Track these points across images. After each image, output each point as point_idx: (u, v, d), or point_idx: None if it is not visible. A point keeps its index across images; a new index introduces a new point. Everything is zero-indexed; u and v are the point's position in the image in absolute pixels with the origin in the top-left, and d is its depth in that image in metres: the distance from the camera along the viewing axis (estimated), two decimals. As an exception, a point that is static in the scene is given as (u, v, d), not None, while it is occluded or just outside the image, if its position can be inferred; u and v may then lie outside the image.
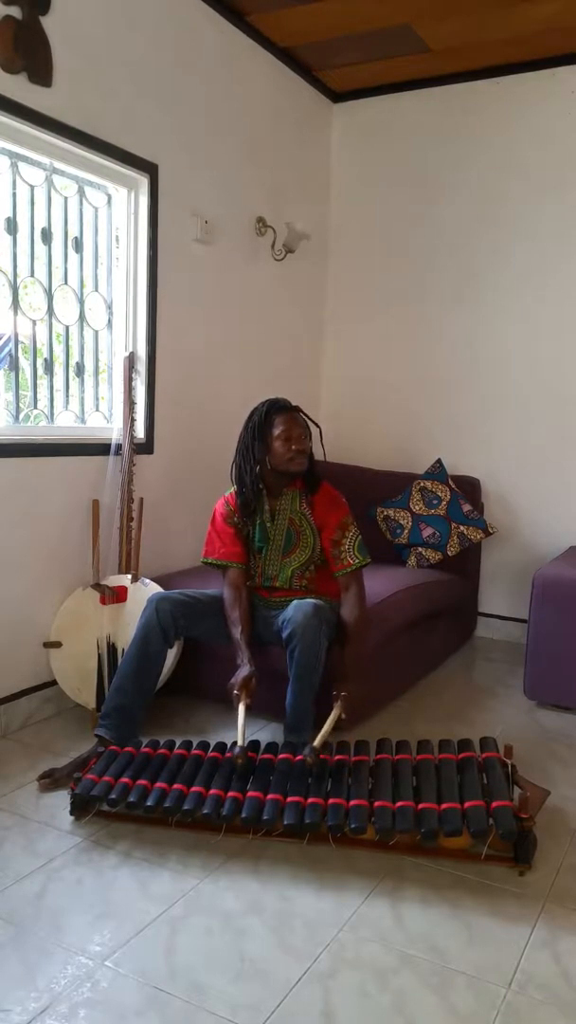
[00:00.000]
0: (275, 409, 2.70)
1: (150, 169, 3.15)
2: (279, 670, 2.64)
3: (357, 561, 2.71)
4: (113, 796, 2.18)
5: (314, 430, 2.76)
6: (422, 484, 3.94)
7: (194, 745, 2.43)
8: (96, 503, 3.04)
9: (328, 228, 4.42)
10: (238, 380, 3.79)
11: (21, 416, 2.89)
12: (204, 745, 2.43)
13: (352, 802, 2.10)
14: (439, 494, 3.89)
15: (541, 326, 3.94)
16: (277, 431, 2.66)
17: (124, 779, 2.23)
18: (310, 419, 2.75)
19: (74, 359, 3.09)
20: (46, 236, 2.90)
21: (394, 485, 4.02)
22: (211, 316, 3.62)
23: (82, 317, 3.08)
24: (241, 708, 2.42)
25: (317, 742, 2.26)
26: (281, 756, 2.32)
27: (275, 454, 2.67)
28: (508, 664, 3.76)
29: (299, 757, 2.28)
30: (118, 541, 3.12)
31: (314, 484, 2.77)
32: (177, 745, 2.43)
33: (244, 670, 2.52)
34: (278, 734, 2.69)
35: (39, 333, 2.93)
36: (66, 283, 3.00)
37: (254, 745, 2.41)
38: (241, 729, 2.35)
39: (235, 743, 2.33)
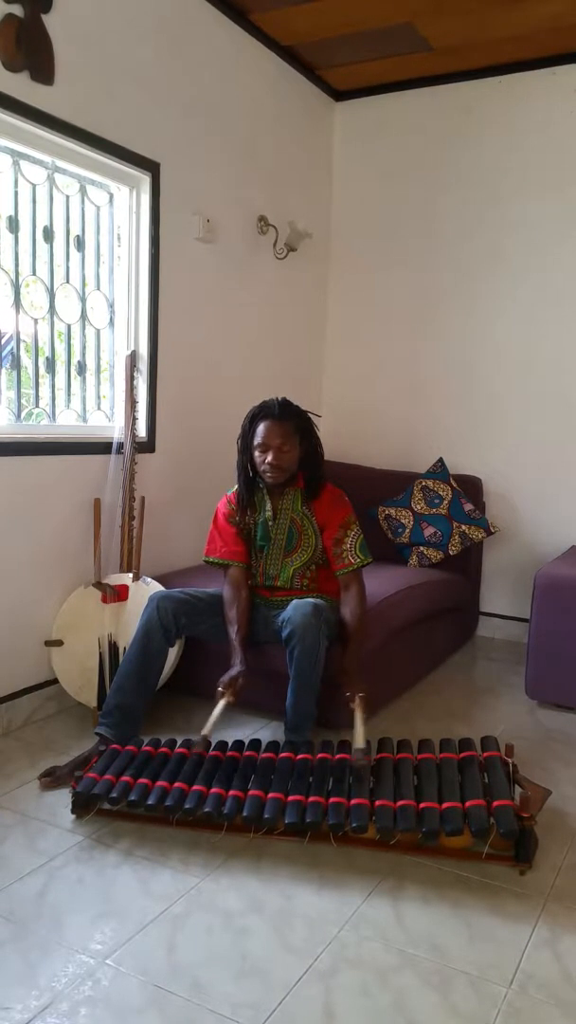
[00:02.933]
0: (260, 416, 2.66)
1: (152, 168, 3.15)
2: (279, 670, 2.64)
3: (358, 561, 2.70)
4: (114, 795, 2.18)
5: (316, 421, 2.75)
6: (424, 483, 3.94)
7: (195, 744, 2.43)
8: (97, 502, 3.04)
9: (330, 227, 4.42)
10: (240, 379, 3.79)
11: (23, 415, 2.89)
12: (205, 744, 2.42)
13: (353, 801, 2.10)
14: (441, 493, 3.89)
15: (543, 325, 3.93)
16: (256, 441, 2.65)
17: (125, 778, 2.23)
18: (312, 412, 2.74)
19: (76, 358, 3.09)
20: (48, 235, 2.90)
21: (396, 484, 4.01)
22: (213, 315, 3.62)
23: (84, 316, 3.08)
24: (221, 703, 2.45)
25: (360, 743, 2.27)
26: (282, 755, 2.32)
27: (255, 463, 2.67)
28: (509, 663, 3.76)
29: (302, 756, 2.29)
30: (119, 540, 3.12)
31: (314, 489, 2.73)
32: (178, 744, 2.44)
33: (234, 670, 2.54)
34: (279, 733, 2.69)
35: (41, 332, 2.93)
36: (68, 282, 3.00)
37: (252, 743, 2.43)
38: (212, 721, 2.39)
39: (203, 736, 2.37)
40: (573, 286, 3.85)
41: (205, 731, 2.37)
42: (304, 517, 2.74)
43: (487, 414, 4.11)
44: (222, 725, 2.83)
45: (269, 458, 2.62)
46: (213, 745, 2.38)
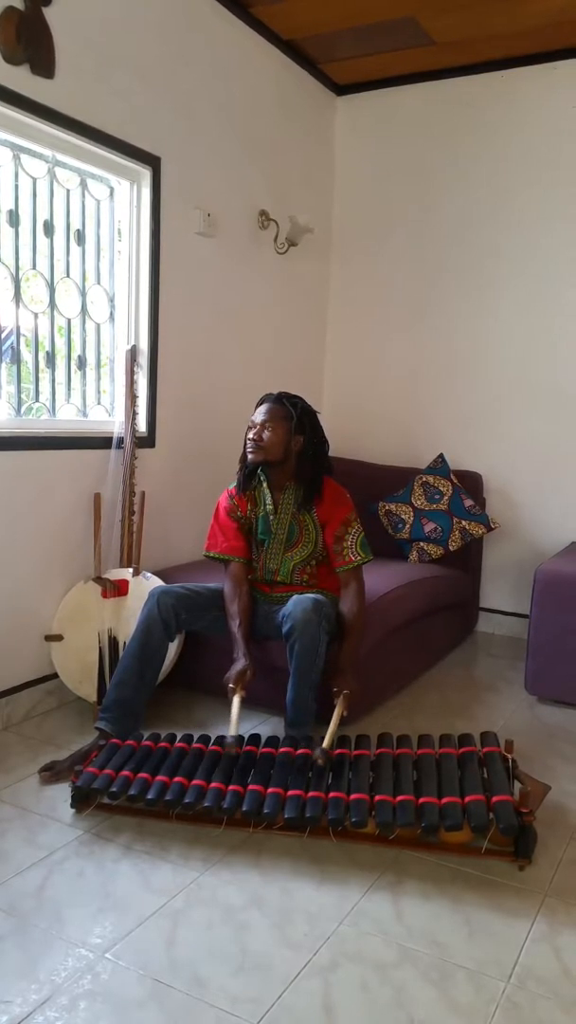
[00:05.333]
0: (260, 401, 2.72)
1: (153, 162, 3.14)
2: (279, 665, 2.64)
3: (359, 558, 2.70)
4: (114, 789, 2.18)
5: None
6: (424, 479, 3.94)
7: (195, 738, 2.43)
8: (98, 496, 3.03)
9: (331, 222, 4.41)
10: (240, 374, 3.79)
11: (23, 409, 2.88)
12: (205, 738, 2.43)
13: (353, 796, 2.10)
14: (441, 489, 3.89)
15: (544, 321, 3.93)
16: (249, 422, 2.67)
17: (125, 772, 2.24)
18: (306, 406, 2.73)
19: (76, 352, 3.08)
20: (48, 229, 2.89)
21: (396, 480, 4.01)
22: (213, 310, 3.62)
23: (84, 310, 3.08)
24: (236, 700, 2.44)
25: (326, 743, 2.26)
26: (282, 750, 2.32)
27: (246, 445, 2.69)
28: (509, 659, 3.76)
29: (302, 751, 2.29)
30: (119, 535, 3.12)
31: (310, 492, 2.71)
32: (178, 738, 2.44)
33: (239, 664, 2.53)
34: (279, 728, 2.69)
35: (41, 326, 2.92)
36: (68, 276, 3.00)
37: (252, 738, 2.42)
38: (235, 720, 2.37)
39: (227, 735, 2.35)
40: (574, 282, 3.84)
41: (233, 731, 2.34)
42: (306, 513, 2.74)
43: (488, 410, 4.10)
44: (223, 720, 2.84)
45: (251, 434, 2.65)
46: (243, 741, 2.38)
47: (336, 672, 2.54)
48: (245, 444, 2.70)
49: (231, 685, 2.47)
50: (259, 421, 2.65)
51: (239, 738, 2.34)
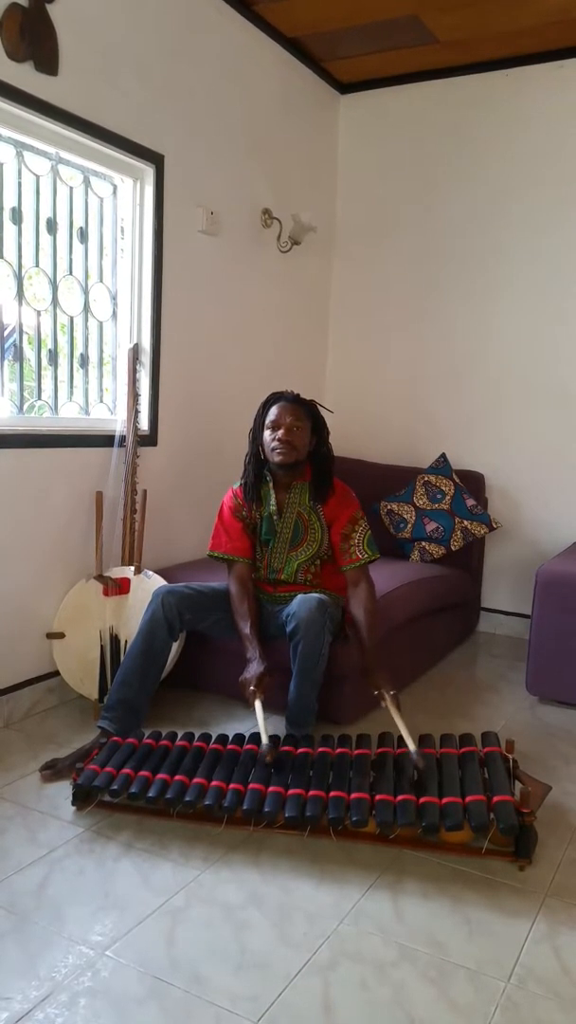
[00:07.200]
0: (273, 400, 2.70)
1: (156, 159, 3.14)
2: (283, 664, 2.64)
3: (366, 556, 2.70)
4: (115, 787, 2.18)
5: (327, 417, 2.75)
6: (426, 478, 3.93)
7: (196, 737, 2.43)
8: (99, 495, 3.04)
9: (334, 220, 4.40)
10: (242, 372, 3.78)
11: (25, 407, 2.88)
12: (206, 737, 2.43)
13: (353, 795, 2.10)
14: (443, 489, 3.89)
15: (547, 320, 3.92)
16: (267, 420, 2.67)
17: (126, 770, 2.24)
18: (323, 407, 2.74)
19: (78, 350, 3.08)
20: (51, 226, 2.89)
21: (398, 479, 4.01)
22: (216, 308, 3.61)
23: (87, 308, 3.08)
24: (258, 705, 2.40)
25: (411, 746, 2.22)
26: (282, 749, 2.32)
27: (264, 443, 2.67)
28: (510, 659, 3.76)
29: (303, 750, 2.29)
30: (121, 533, 3.12)
31: (323, 490, 2.72)
32: (179, 737, 2.44)
33: (257, 667, 2.49)
34: (280, 727, 2.69)
35: (44, 324, 2.92)
36: (71, 274, 3.00)
37: (253, 737, 2.42)
38: (263, 725, 2.33)
39: (261, 743, 2.30)
40: (577, 281, 3.85)
41: (265, 738, 2.29)
42: (311, 512, 2.73)
43: (490, 409, 4.10)
44: (224, 719, 2.85)
45: (280, 434, 2.62)
46: (279, 742, 2.35)
47: (369, 675, 2.50)
48: (260, 444, 2.69)
49: (252, 688, 2.43)
50: (288, 422, 2.63)
51: (275, 739, 2.32)
